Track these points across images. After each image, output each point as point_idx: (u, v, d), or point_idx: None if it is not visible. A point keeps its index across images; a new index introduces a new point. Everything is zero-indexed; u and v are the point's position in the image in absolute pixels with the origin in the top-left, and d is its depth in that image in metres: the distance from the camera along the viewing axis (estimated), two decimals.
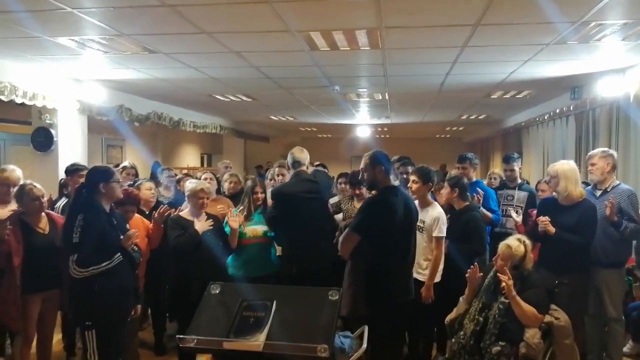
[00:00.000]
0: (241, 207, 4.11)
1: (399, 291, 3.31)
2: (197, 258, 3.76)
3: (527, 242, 3.33)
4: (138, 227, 3.87)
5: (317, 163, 7.02)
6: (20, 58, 4.96)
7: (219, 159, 13.09)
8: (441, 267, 3.89)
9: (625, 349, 4.31)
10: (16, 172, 4.20)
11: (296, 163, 4.27)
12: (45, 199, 3.86)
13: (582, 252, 3.77)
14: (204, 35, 4.03)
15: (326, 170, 6.57)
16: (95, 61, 5.07)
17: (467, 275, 3.39)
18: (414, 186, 3.95)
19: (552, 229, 3.74)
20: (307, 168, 4.43)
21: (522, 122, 9.54)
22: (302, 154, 4.30)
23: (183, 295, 3.73)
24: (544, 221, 3.77)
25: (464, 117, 10.62)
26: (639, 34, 3.92)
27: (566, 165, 3.95)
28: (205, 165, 14.27)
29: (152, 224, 4.07)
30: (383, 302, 3.24)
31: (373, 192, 3.47)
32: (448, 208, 4.19)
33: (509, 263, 3.23)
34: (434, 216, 3.89)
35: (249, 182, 4.41)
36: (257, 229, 4.10)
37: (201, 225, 3.84)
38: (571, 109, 6.78)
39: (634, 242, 4.18)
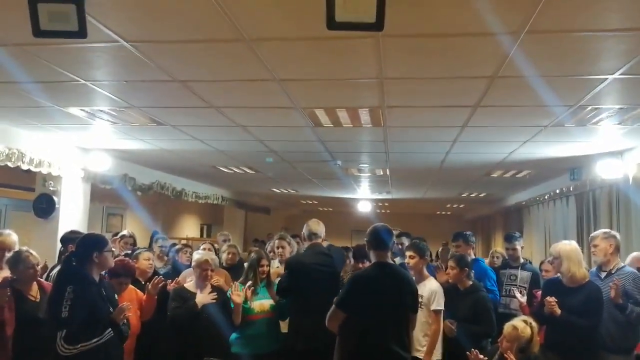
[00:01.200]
0: (249, 283, 3.98)
1: None
2: (196, 332, 3.63)
3: (534, 323, 3.23)
4: (131, 299, 3.77)
5: None
6: (29, 126, 5.07)
7: (219, 230, 13.04)
8: (439, 344, 3.81)
9: None
10: (12, 236, 4.16)
11: (312, 235, 4.22)
12: (39, 267, 3.80)
13: (589, 336, 3.64)
14: (211, 109, 4.15)
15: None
16: (103, 131, 5.18)
17: (469, 358, 3.26)
18: (412, 261, 4.02)
19: (559, 311, 3.65)
20: (323, 241, 4.40)
21: (522, 201, 9.58)
22: (319, 227, 4.26)
23: None
24: (551, 302, 3.68)
25: (465, 194, 10.67)
26: (634, 118, 4.03)
27: (568, 246, 3.92)
28: (204, 235, 14.18)
29: (145, 296, 3.97)
30: None
31: None
32: (450, 287, 4.14)
33: (514, 345, 3.11)
34: (432, 289, 3.89)
35: (253, 255, 4.32)
36: (264, 303, 3.98)
37: (202, 297, 3.75)
38: (571, 189, 6.84)
39: None
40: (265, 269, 4.10)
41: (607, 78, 3.12)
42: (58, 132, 5.34)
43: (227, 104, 4.05)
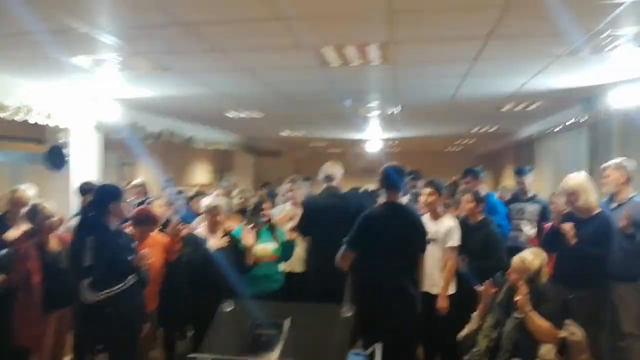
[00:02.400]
0: (251, 225, 4.05)
1: (385, 310, 3.33)
2: (210, 276, 3.73)
3: (543, 255, 3.27)
4: (155, 244, 3.85)
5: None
6: (36, 77, 5.03)
7: (230, 176, 13.15)
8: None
9: None
10: (28, 191, 4.22)
11: (327, 178, 4.28)
12: (56, 218, 3.86)
13: (599, 265, 3.70)
14: (216, 52, 4.06)
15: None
16: (111, 80, 5.12)
17: (480, 290, 3.33)
18: (430, 198, 3.99)
19: (574, 240, 3.68)
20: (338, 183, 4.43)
21: (533, 134, 9.46)
22: (333, 169, 4.30)
23: (195, 314, 3.71)
24: (568, 230, 3.70)
25: (475, 129, 10.56)
26: None
27: (580, 179, 3.90)
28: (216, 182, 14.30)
29: (170, 239, 4.06)
30: (367, 320, 3.27)
31: None
32: (460, 221, 4.18)
33: (523, 277, 3.16)
34: (450, 226, 3.95)
35: (255, 199, 4.42)
36: (267, 247, 4.08)
37: (214, 242, 3.83)
38: (583, 120, 6.71)
39: None
40: (267, 212, 4.16)
41: (625, 1, 2.98)
42: (65, 82, 5.28)
43: (232, 45, 3.96)
